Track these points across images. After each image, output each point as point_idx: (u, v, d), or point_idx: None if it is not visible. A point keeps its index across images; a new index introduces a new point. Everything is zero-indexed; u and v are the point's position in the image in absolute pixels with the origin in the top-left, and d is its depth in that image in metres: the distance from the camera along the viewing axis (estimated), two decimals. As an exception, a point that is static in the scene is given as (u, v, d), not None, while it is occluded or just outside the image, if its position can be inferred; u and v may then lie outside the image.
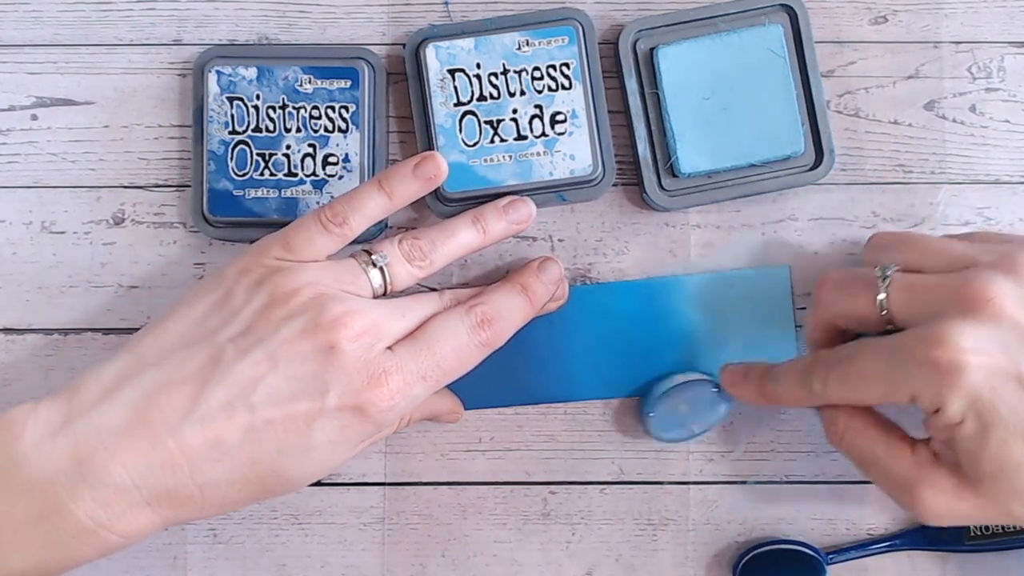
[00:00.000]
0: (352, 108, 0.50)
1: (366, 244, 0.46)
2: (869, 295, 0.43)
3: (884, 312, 0.43)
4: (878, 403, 0.44)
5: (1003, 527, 0.51)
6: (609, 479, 0.52)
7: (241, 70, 0.50)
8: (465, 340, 0.44)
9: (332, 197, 0.50)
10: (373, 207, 0.45)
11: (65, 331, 0.52)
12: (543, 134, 0.50)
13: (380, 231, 0.51)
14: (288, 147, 0.50)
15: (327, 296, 0.42)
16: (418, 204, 0.51)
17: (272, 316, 0.42)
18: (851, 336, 0.46)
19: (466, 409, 0.51)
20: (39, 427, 0.40)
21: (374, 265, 0.45)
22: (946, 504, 0.42)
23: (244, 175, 0.50)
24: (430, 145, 0.50)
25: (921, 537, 0.51)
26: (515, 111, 0.50)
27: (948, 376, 0.39)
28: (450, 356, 0.44)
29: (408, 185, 0.46)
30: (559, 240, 0.52)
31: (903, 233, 0.46)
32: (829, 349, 0.45)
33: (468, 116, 0.50)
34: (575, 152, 0.50)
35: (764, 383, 0.47)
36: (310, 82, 0.50)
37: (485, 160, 0.50)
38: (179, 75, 0.52)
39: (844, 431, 0.45)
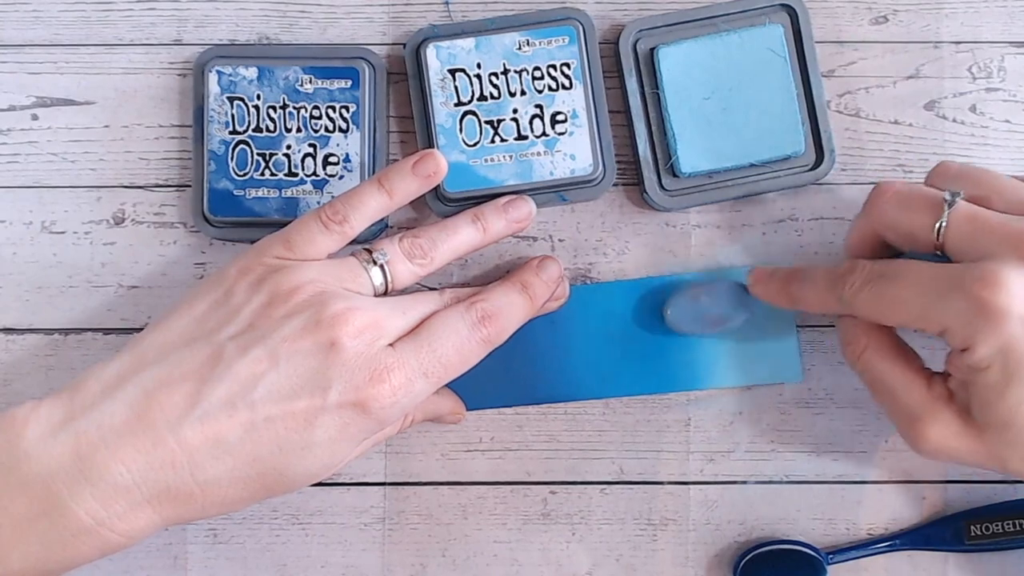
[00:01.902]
0: (352, 108, 0.50)
1: (366, 243, 0.46)
2: (929, 217, 0.42)
3: (939, 238, 0.42)
4: (904, 327, 0.43)
5: (1003, 526, 0.51)
6: (609, 479, 0.52)
7: (241, 70, 0.50)
8: (466, 336, 0.44)
9: (332, 197, 0.50)
10: (373, 205, 0.45)
11: (65, 331, 0.52)
12: (543, 134, 0.50)
13: (380, 231, 0.51)
14: (288, 147, 0.50)
15: (328, 294, 0.43)
16: (418, 204, 0.51)
17: (273, 314, 0.42)
18: (891, 252, 0.45)
19: (467, 409, 0.51)
20: (40, 425, 0.40)
21: (375, 263, 0.45)
22: (946, 442, 0.42)
23: (244, 175, 0.50)
24: (430, 145, 0.50)
25: (921, 537, 0.51)
26: (515, 111, 0.50)
27: (990, 318, 0.39)
28: (451, 352, 0.44)
29: (408, 183, 0.46)
30: (559, 240, 0.52)
31: (971, 167, 0.44)
32: (870, 260, 0.44)
33: (468, 116, 0.50)
34: (575, 152, 0.50)
35: (791, 282, 0.47)
36: (310, 82, 0.50)
37: (485, 160, 0.50)
38: (179, 75, 0.52)
39: (863, 351, 0.45)
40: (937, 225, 0.42)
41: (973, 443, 0.42)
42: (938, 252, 0.42)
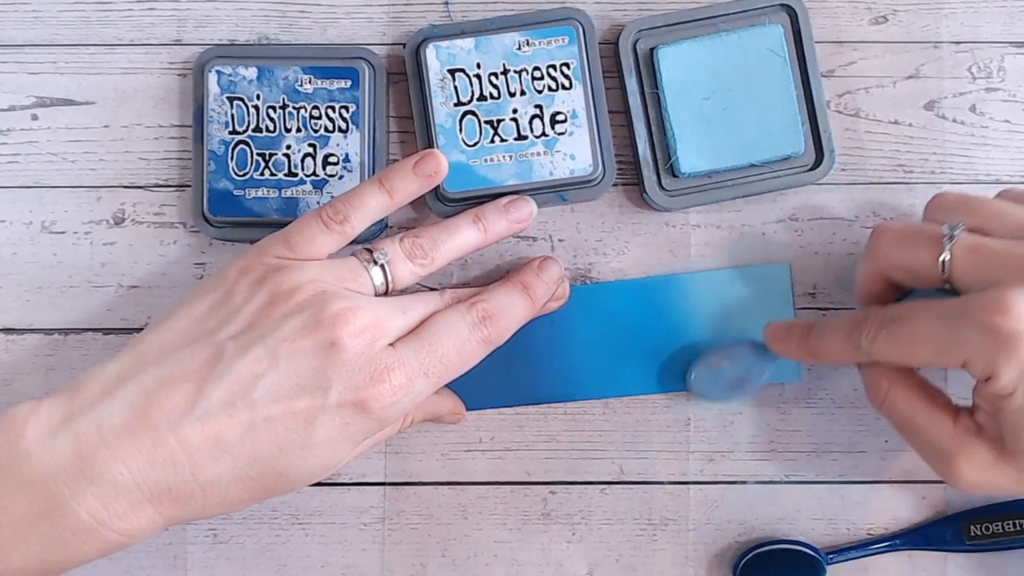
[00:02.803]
0: (352, 108, 0.50)
1: (367, 243, 0.46)
2: (932, 252, 0.42)
3: (945, 272, 0.42)
4: (926, 365, 0.43)
5: (1003, 526, 0.51)
6: (609, 479, 0.52)
7: (241, 70, 0.50)
8: (466, 336, 0.44)
9: (332, 197, 0.50)
10: (374, 205, 0.45)
11: (65, 331, 0.52)
12: (543, 134, 0.50)
13: (380, 231, 0.51)
14: (288, 147, 0.50)
15: (328, 293, 0.43)
16: (418, 204, 0.51)
17: (273, 314, 0.42)
18: (901, 292, 0.46)
19: (467, 409, 0.51)
20: (41, 425, 0.40)
21: (375, 263, 0.45)
22: (982, 475, 0.42)
23: (244, 175, 0.50)
24: (430, 145, 0.50)
25: (921, 537, 0.51)
26: (515, 111, 0.50)
27: (1007, 345, 0.39)
28: (452, 352, 0.44)
29: (408, 183, 0.46)
30: (559, 240, 0.52)
31: (968, 195, 0.45)
32: (881, 306, 0.44)
33: (468, 116, 0.50)
34: (575, 152, 0.50)
35: (808, 337, 0.46)
36: (310, 82, 0.50)
37: (485, 160, 0.50)
38: (179, 75, 0.52)
39: (887, 394, 0.45)
40: (941, 259, 0.42)
41: (1009, 472, 0.41)
42: (946, 286, 0.43)
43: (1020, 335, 0.38)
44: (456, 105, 0.50)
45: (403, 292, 0.46)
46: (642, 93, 0.51)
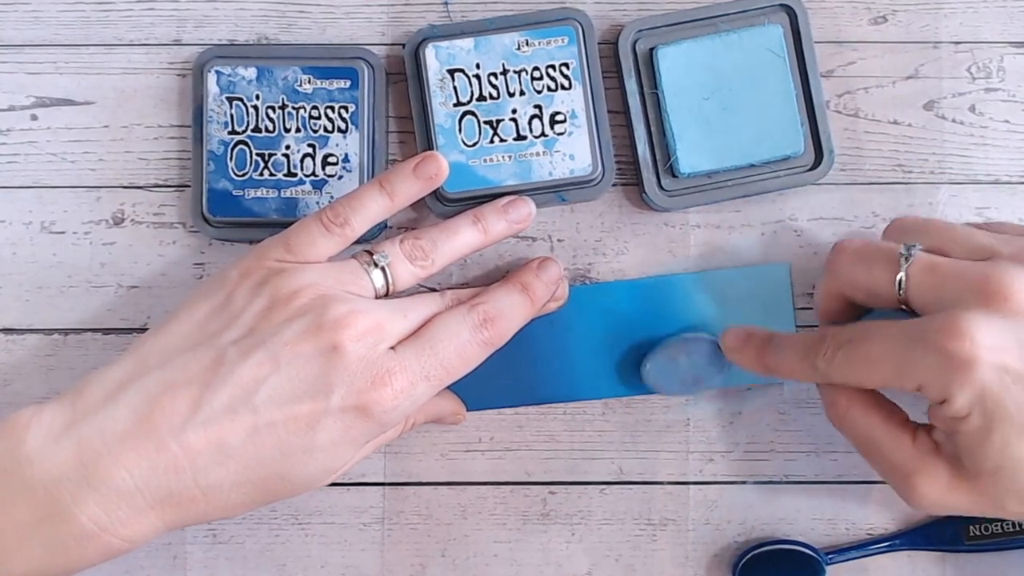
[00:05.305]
0: (352, 108, 0.50)
1: (367, 245, 0.46)
2: (889, 271, 0.42)
3: (901, 292, 0.42)
4: (882, 388, 0.43)
5: (1003, 526, 0.51)
6: (609, 479, 0.52)
7: (241, 70, 0.50)
8: (467, 339, 0.44)
9: (332, 197, 0.50)
10: (374, 208, 0.45)
11: (65, 331, 0.52)
12: (543, 134, 0.50)
13: (380, 232, 0.51)
14: (288, 147, 0.50)
15: (329, 297, 0.42)
16: (418, 204, 0.51)
17: (274, 318, 0.42)
18: (862, 310, 0.46)
19: (468, 410, 0.51)
20: (43, 430, 0.40)
21: (375, 265, 0.45)
22: (940, 495, 0.42)
23: (244, 175, 0.50)
24: (430, 145, 0.50)
25: (921, 537, 0.51)
26: (515, 111, 0.50)
27: (960, 369, 0.39)
28: (453, 355, 0.44)
29: (409, 185, 0.46)
30: (559, 240, 0.52)
31: (925, 219, 0.45)
32: (839, 326, 0.44)
33: (468, 116, 0.50)
34: (575, 152, 0.50)
35: (765, 351, 0.46)
36: (310, 82, 0.50)
37: (485, 160, 0.50)
38: (179, 75, 0.52)
39: (846, 412, 0.45)
40: (897, 279, 0.42)
41: (967, 492, 0.41)
42: (903, 307, 0.43)
43: (974, 360, 0.38)
44: (455, 105, 0.50)
45: (403, 294, 0.46)
46: (641, 93, 0.51)
